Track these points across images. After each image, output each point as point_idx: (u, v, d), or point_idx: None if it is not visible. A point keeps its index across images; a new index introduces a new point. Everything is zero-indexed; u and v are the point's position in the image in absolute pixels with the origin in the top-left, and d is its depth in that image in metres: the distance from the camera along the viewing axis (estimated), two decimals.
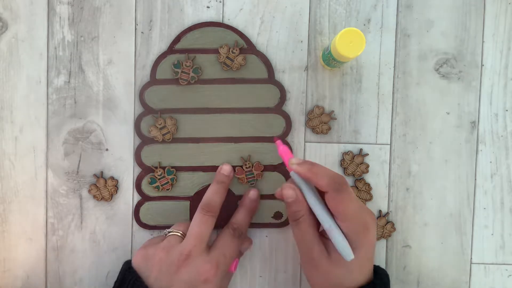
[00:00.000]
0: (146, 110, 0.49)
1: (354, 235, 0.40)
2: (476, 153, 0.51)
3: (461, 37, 0.50)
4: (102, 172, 0.49)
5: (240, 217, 0.47)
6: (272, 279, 0.50)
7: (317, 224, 0.43)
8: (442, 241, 0.51)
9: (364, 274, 0.42)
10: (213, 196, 0.46)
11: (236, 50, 0.48)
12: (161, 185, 0.49)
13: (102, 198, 0.49)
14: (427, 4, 0.50)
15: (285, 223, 0.50)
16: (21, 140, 0.49)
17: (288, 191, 0.42)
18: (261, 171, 0.49)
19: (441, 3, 0.50)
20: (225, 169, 0.48)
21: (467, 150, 0.51)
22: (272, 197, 0.50)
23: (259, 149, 0.50)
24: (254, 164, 0.49)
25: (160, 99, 0.49)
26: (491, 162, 0.51)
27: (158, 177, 0.49)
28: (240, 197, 0.50)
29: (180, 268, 0.42)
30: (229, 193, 0.49)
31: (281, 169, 0.50)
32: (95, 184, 0.49)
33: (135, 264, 0.44)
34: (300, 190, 0.42)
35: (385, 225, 0.50)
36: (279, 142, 0.45)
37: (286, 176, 0.50)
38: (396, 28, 0.50)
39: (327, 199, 0.41)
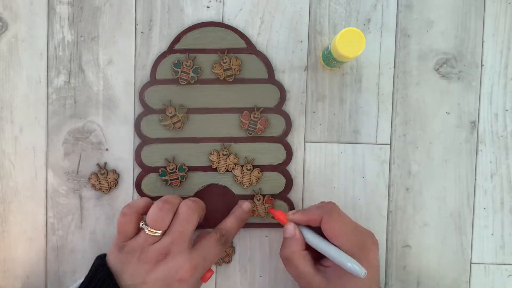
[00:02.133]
0: (146, 110, 0.49)
1: (351, 256, 0.41)
2: (476, 153, 0.51)
3: (461, 37, 0.50)
4: (105, 163, 0.49)
5: (229, 224, 0.46)
6: (272, 279, 0.50)
7: (313, 259, 0.44)
8: (442, 241, 0.51)
9: None
10: (231, 227, 0.45)
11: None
12: (170, 180, 0.49)
13: (100, 189, 0.49)
14: (427, 4, 0.50)
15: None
16: (21, 140, 0.49)
17: (289, 226, 0.44)
18: (264, 128, 0.49)
19: (441, 3, 0.50)
20: (246, 205, 0.47)
21: (467, 150, 0.51)
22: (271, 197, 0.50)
23: (259, 149, 0.50)
24: (261, 119, 0.49)
25: (160, 99, 0.49)
26: (491, 162, 0.51)
27: (170, 171, 0.49)
28: (240, 197, 0.50)
29: (157, 265, 0.41)
30: (229, 193, 0.49)
31: (281, 169, 0.50)
32: (96, 174, 0.49)
33: (110, 259, 0.42)
34: (300, 231, 0.44)
35: (252, 171, 0.49)
36: (272, 210, 0.47)
37: (286, 175, 0.50)
38: (396, 28, 0.50)
39: (323, 227, 0.42)
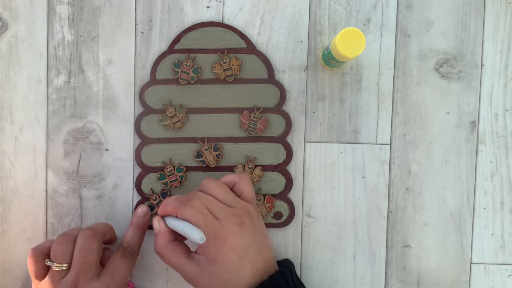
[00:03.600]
0: (146, 110, 0.49)
1: (208, 245, 0.41)
2: (476, 153, 0.51)
3: (461, 37, 0.50)
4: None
5: (129, 235, 0.46)
6: None
7: (185, 249, 0.43)
8: (442, 241, 0.51)
9: (248, 276, 0.41)
10: (130, 239, 0.45)
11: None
12: (170, 182, 0.49)
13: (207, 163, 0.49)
14: (427, 4, 0.50)
15: (285, 223, 0.50)
16: (21, 140, 0.49)
17: (154, 222, 0.44)
18: (264, 128, 0.49)
19: (441, 3, 0.50)
20: (142, 210, 0.47)
21: (467, 150, 0.51)
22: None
23: (259, 149, 0.50)
24: (261, 119, 0.49)
25: (160, 99, 0.49)
26: (491, 162, 0.51)
27: (168, 173, 0.49)
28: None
29: None
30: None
31: (281, 168, 0.50)
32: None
33: None
34: (165, 224, 0.44)
35: (254, 170, 0.49)
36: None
37: (286, 175, 0.50)
38: (396, 28, 0.50)
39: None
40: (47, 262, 0.42)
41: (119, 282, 0.43)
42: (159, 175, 0.49)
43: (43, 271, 0.43)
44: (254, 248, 0.42)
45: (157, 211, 0.47)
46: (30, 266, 0.43)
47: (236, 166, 0.49)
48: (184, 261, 0.42)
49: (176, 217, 0.43)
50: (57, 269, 0.42)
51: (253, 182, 0.49)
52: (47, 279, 0.42)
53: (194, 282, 0.43)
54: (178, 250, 0.43)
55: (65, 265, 0.42)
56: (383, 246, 0.50)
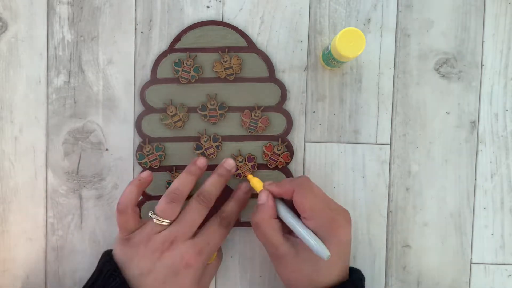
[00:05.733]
0: (147, 109, 0.49)
1: (320, 231, 0.41)
2: (476, 153, 0.51)
3: (461, 37, 0.50)
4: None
5: (230, 207, 0.46)
6: (272, 279, 0.50)
7: (283, 228, 0.44)
8: (442, 241, 0.51)
9: (335, 273, 0.42)
10: (211, 187, 0.45)
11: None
12: (149, 161, 0.49)
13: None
14: (427, 4, 0.50)
15: None
16: (21, 140, 0.49)
17: (262, 194, 0.44)
18: (265, 126, 0.49)
19: (441, 3, 0.50)
20: (228, 163, 0.47)
21: (467, 150, 0.51)
22: None
23: (260, 148, 0.50)
24: (262, 117, 0.49)
25: (160, 98, 0.49)
26: (491, 162, 0.51)
27: (147, 153, 0.49)
28: None
29: (164, 253, 0.42)
30: (231, 192, 0.49)
31: (282, 167, 0.50)
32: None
33: (116, 253, 0.43)
34: (273, 200, 0.44)
35: (245, 161, 0.49)
36: (250, 176, 0.47)
37: (287, 174, 0.50)
38: (396, 28, 0.50)
39: (294, 200, 0.43)
40: (150, 214, 0.43)
41: (212, 248, 0.44)
42: (137, 155, 0.49)
43: (134, 225, 0.44)
44: (349, 250, 0.44)
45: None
46: (122, 223, 0.43)
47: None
48: (280, 240, 0.43)
49: (290, 204, 0.43)
50: (158, 223, 0.43)
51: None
52: (144, 230, 0.43)
53: (281, 261, 0.43)
54: (277, 228, 0.43)
55: (168, 221, 0.43)
56: (383, 246, 0.50)
